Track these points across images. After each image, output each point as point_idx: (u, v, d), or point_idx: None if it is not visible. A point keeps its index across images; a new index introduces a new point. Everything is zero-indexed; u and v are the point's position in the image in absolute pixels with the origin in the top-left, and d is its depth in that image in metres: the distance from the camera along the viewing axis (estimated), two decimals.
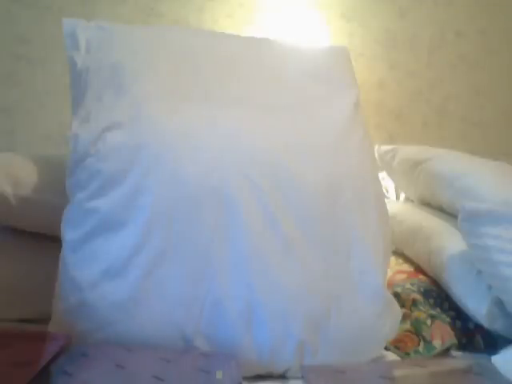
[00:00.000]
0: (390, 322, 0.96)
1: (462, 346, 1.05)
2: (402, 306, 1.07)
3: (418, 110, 1.89)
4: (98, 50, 1.01)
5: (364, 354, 0.93)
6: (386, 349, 1.01)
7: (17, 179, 1.06)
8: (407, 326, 1.05)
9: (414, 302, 1.09)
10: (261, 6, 1.76)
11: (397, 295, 1.09)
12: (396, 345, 1.03)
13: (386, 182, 1.56)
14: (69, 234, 0.90)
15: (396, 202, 1.57)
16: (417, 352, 1.01)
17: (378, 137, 1.65)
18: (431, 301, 1.11)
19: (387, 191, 1.59)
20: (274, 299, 0.88)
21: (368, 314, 0.93)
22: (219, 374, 0.78)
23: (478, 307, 1.01)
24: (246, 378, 0.84)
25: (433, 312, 1.08)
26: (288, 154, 0.97)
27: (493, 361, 0.90)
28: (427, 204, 1.36)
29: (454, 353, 1.04)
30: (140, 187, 0.90)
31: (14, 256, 1.09)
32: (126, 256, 0.87)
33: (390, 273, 1.13)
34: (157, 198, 0.89)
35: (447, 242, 1.14)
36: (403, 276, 1.20)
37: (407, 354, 1.01)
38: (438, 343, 1.02)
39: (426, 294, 1.12)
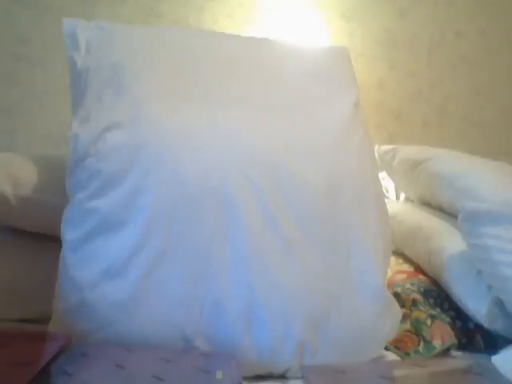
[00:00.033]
0: (390, 322, 0.96)
1: (462, 346, 1.05)
2: (402, 306, 1.07)
3: (418, 110, 1.89)
4: (98, 49, 1.01)
5: (364, 353, 0.93)
6: (386, 349, 1.01)
7: (17, 179, 1.06)
8: (407, 326, 1.05)
9: (414, 302, 1.09)
10: (261, 6, 1.76)
11: (397, 295, 1.09)
12: (396, 345, 1.03)
13: (386, 182, 1.56)
14: (69, 234, 0.90)
15: (396, 202, 1.57)
16: (417, 352, 1.01)
17: (378, 137, 1.65)
18: (431, 301, 1.11)
19: (387, 191, 1.59)
20: (274, 299, 0.88)
21: (368, 313, 0.93)
22: (219, 374, 0.78)
23: (478, 307, 1.01)
24: (246, 378, 0.84)
25: (433, 312, 1.08)
26: (288, 154, 0.97)
27: (493, 361, 0.90)
28: (427, 204, 1.36)
29: (454, 353, 1.04)
30: (140, 187, 0.90)
31: (14, 256, 1.09)
32: (125, 256, 0.87)
33: (390, 273, 1.13)
34: (157, 198, 0.89)
35: (447, 242, 1.14)
36: (403, 276, 1.20)
37: (407, 353, 1.01)
38: (438, 343, 1.02)
39: (425, 293, 1.12)
